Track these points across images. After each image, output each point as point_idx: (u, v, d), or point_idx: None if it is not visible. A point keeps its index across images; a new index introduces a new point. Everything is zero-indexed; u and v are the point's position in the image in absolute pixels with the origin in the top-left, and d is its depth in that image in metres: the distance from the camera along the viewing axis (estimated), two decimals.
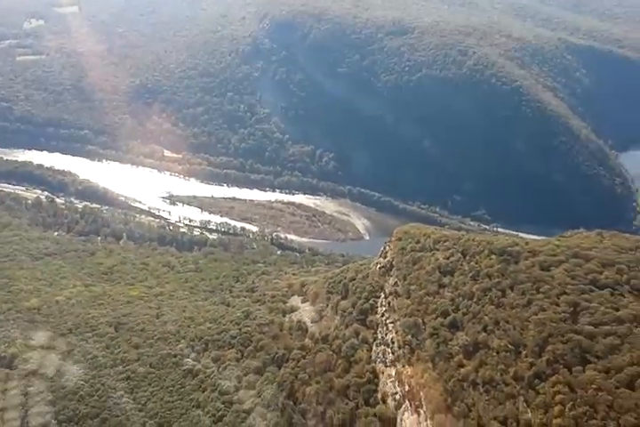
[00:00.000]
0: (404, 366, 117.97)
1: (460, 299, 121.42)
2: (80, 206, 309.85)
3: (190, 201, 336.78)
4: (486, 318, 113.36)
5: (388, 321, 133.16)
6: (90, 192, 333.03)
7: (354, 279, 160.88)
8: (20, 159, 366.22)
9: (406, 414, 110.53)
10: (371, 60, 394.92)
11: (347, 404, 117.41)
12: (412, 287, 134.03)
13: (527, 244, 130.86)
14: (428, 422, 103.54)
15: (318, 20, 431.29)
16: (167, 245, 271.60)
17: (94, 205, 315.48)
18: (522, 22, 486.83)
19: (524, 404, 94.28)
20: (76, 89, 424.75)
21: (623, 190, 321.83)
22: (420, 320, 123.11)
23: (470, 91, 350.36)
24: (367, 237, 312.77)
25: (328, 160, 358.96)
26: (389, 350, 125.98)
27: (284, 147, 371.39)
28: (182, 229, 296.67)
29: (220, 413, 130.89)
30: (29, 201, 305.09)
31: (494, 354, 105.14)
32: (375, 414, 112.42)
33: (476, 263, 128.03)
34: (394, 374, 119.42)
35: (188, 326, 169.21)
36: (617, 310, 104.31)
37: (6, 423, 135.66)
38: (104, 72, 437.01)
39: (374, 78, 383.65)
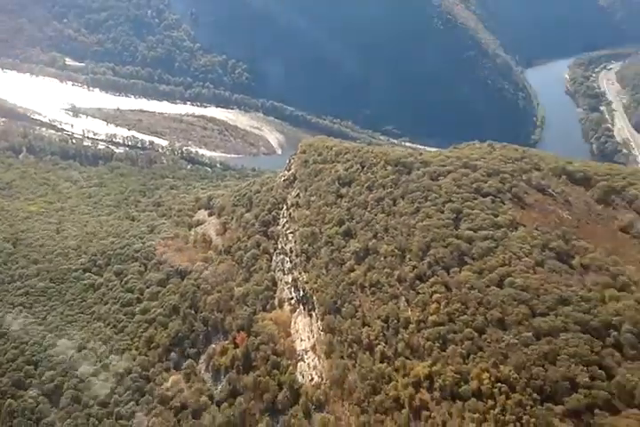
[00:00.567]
0: (300, 273, 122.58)
1: (355, 208, 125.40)
2: None
3: (95, 113, 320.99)
4: (377, 225, 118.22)
5: (288, 231, 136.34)
6: None
7: (258, 192, 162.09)
8: None
9: (300, 317, 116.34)
10: None
11: (245, 310, 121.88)
12: (312, 198, 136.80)
13: (421, 155, 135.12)
14: (319, 323, 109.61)
15: None
16: (70, 160, 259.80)
17: None
18: None
19: (406, 303, 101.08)
20: None
21: (526, 105, 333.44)
22: (318, 229, 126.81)
23: (383, 0, 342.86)
24: (280, 152, 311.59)
25: (241, 72, 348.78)
26: (288, 258, 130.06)
27: (195, 56, 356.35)
28: (86, 143, 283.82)
29: (121, 324, 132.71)
30: None
31: (382, 259, 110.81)
32: (271, 319, 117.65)
33: (372, 174, 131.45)
34: (290, 280, 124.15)
35: (90, 241, 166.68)
36: (496, 216, 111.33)
37: None
38: None
39: None
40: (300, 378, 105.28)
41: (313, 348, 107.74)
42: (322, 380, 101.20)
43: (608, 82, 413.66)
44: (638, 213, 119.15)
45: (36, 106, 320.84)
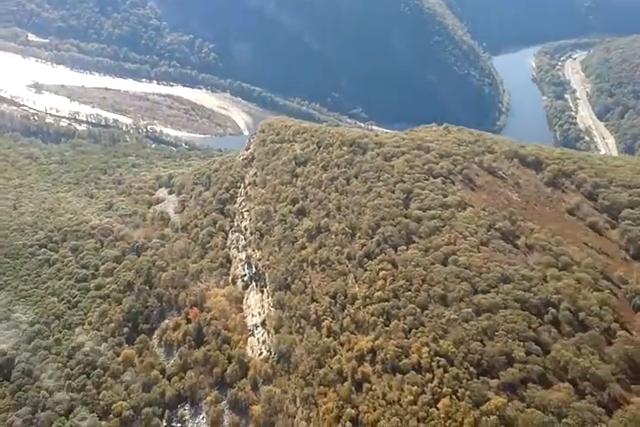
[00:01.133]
0: (253, 251, 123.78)
1: (310, 187, 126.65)
2: None
3: (58, 90, 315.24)
4: (330, 204, 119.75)
5: (244, 210, 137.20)
6: None
7: (217, 171, 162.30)
8: None
9: (252, 293, 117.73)
10: None
11: (198, 286, 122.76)
12: (268, 177, 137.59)
13: (376, 136, 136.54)
14: (270, 299, 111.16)
15: None
16: (32, 137, 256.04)
17: None
18: None
19: (354, 280, 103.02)
20: None
21: (491, 91, 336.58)
22: (272, 208, 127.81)
23: None
24: (247, 133, 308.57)
25: (208, 51, 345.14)
26: (242, 236, 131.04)
27: (162, 35, 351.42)
28: (48, 120, 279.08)
29: (75, 299, 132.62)
30: None
31: (333, 237, 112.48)
32: (224, 295, 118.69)
33: (328, 154, 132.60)
34: (244, 257, 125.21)
35: (47, 218, 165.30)
36: (445, 196, 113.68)
37: None
38: None
39: None
40: (249, 352, 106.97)
41: (263, 323, 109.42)
42: (270, 354, 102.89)
43: (573, 71, 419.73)
44: (586, 196, 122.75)
45: None
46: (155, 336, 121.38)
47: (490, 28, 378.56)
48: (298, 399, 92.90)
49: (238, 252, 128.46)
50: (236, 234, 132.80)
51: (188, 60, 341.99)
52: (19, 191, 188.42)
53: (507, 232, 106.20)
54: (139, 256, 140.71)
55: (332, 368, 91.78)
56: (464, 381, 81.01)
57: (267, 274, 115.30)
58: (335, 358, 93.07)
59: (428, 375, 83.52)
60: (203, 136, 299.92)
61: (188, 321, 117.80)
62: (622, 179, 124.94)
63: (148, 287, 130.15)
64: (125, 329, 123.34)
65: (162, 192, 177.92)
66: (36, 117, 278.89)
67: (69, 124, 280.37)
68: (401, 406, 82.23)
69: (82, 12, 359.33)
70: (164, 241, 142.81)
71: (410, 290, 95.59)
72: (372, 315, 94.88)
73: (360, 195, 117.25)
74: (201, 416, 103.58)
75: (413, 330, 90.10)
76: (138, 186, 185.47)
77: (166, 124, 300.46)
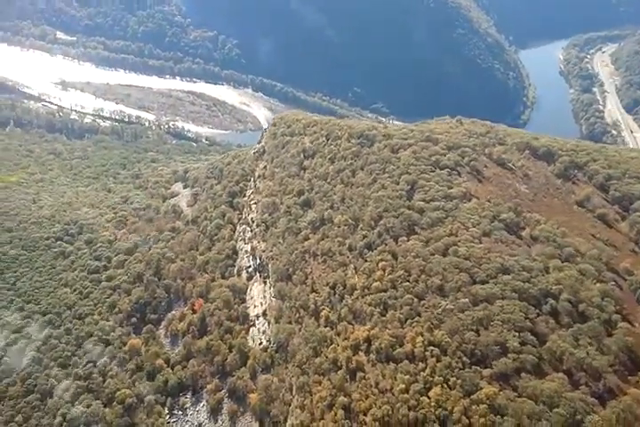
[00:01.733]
0: (258, 242, 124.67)
1: (316, 180, 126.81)
2: None
3: (84, 87, 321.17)
4: (335, 196, 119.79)
5: (252, 202, 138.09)
6: None
7: (230, 164, 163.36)
8: None
9: (255, 284, 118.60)
10: None
11: (204, 278, 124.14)
12: (277, 170, 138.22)
13: (385, 128, 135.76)
14: (271, 289, 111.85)
15: None
16: (56, 133, 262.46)
17: None
18: None
19: (353, 270, 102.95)
20: None
21: (516, 85, 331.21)
22: (279, 200, 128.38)
23: None
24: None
25: (231, 47, 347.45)
26: (249, 228, 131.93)
27: (186, 31, 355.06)
28: (73, 116, 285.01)
29: (87, 290, 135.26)
30: None
31: (336, 228, 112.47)
32: (228, 286, 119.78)
33: (336, 146, 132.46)
34: (249, 249, 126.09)
35: (65, 211, 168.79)
36: (450, 188, 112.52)
37: None
38: None
39: None
40: (250, 342, 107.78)
41: (264, 313, 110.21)
42: (269, 344, 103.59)
43: (602, 63, 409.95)
44: (597, 188, 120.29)
45: (26, 79, 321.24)
46: (161, 326, 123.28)
47: (517, 21, 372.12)
48: (294, 388, 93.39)
49: (244, 244, 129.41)
50: (244, 226, 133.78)
51: (211, 57, 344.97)
52: (40, 186, 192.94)
53: (511, 223, 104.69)
54: (150, 249, 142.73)
55: (327, 357, 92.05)
56: (456, 370, 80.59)
57: (270, 265, 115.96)
58: (331, 347, 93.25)
59: (421, 365, 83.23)
60: (224, 132, 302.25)
61: (194, 312, 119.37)
62: (636, 170, 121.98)
63: (156, 279, 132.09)
64: (133, 319, 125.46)
65: (177, 186, 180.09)
66: (60, 114, 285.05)
67: (93, 120, 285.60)
68: (393, 394, 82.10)
69: (108, 9, 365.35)
70: (174, 233, 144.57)
71: (408, 280, 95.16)
72: (370, 305, 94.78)
73: (365, 187, 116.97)
74: (201, 404, 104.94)
75: (409, 320, 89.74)
76: (154, 180, 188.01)
77: (188, 121, 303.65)
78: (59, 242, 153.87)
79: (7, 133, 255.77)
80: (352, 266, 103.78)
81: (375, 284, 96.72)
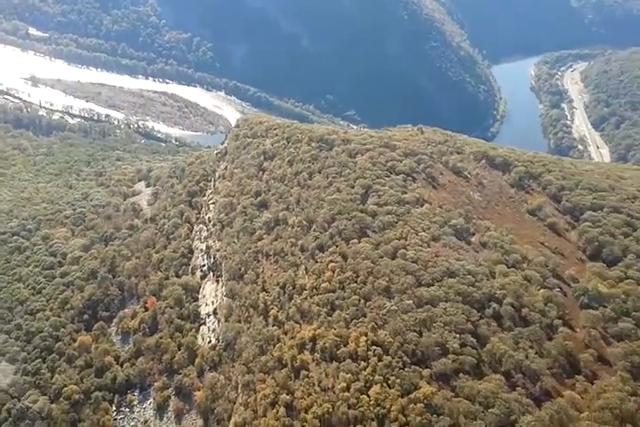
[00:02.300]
0: (214, 242, 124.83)
1: (273, 181, 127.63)
2: None
3: (54, 84, 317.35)
4: (291, 198, 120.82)
5: (210, 202, 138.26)
6: None
7: (192, 164, 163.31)
8: None
9: (208, 283, 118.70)
10: None
11: (158, 276, 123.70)
12: (236, 171, 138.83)
13: (345, 133, 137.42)
14: (223, 288, 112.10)
15: None
16: (22, 128, 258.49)
17: None
18: None
19: (304, 271, 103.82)
20: None
21: (487, 98, 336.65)
22: (236, 200, 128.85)
23: None
24: None
25: (205, 50, 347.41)
26: (205, 227, 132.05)
27: (160, 32, 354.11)
28: (41, 113, 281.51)
29: (40, 286, 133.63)
30: None
31: (289, 229, 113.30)
32: (181, 284, 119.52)
33: (295, 149, 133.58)
34: (205, 248, 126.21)
35: (24, 206, 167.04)
36: (404, 193, 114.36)
37: None
38: None
39: None
40: (200, 340, 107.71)
41: (215, 312, 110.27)
42: (218, 342, 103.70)
43: (572, 81, 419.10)
44: (550, 198, 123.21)
45: None
46: (113, 324, 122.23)
47: (492, 36, 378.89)
48: (239, 386, 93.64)
49: (200, 242, 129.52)
50: (201, 225, 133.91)
51: (184, 59, 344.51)
52: (0, 180, 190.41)
53: (461, 229, 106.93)
54: (106, 246, 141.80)
55: (273, 356, 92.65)
56: (396, 369, 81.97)
57: (223, 264, 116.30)
58: (277, 346, 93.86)
59: (363, 364, 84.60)
60: (194, 133, 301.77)
61: (146, 309, 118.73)
62: (589, 182, 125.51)
63: (111, 276, 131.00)
64: (85, 316, 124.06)
65: (140, 185, 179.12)
66: (28, 110, 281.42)
67: (61, 117, 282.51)
68: (334, 392, 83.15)
69: (82, 7, 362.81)
70: (132, 231, 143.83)
71: (356, 282, 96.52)
72: (318, 305, 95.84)
73: (320, 189, 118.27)
74: (148, 402, 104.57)
75: (354, 320, 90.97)
76: (117, 178, 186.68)
77: (158, 121, 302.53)
78: (15, 237, 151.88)
79: None
80: (303, 266, 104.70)
81: (324, 284, 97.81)
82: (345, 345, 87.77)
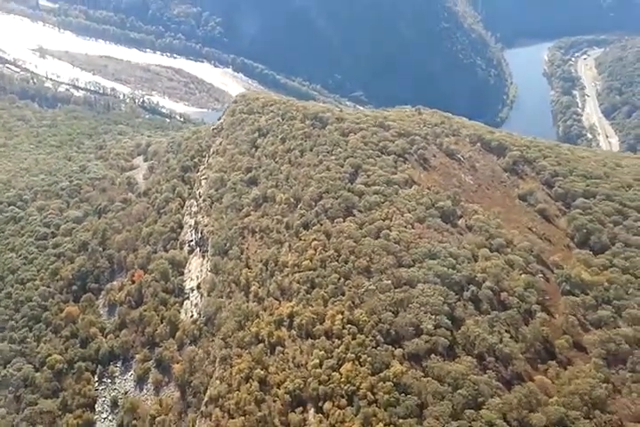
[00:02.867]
0: (202, 217, 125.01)
1: (264, 158, 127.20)
2: None
3: (62, 56, 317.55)
4: (281, 175, 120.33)
5: (202, 177, 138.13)
6: None
7: (188, 139, 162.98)
8: None
9: (195, 258, 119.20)
10: None
11: (146, 249, 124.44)
12: (229, 146, 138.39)
13: (341, 111, 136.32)
14: (208, 264, 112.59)
15: None
16: (28, 100, 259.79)
17: None
18: None
19: (288, 248, 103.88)
20: None
21: (497, 82, 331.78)
22: (227, 176, 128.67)
23: None
24: None
25: (214, 25, 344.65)
26: (196, 203, 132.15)
27: (169, 6, 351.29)
28: (47, 84, 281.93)
29: (32, 256, 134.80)
30: None
31: (276, 206, 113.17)
32: (167, 258, 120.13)
33: (289, 126, 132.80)
34: (193, 223, 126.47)
35: (22, 177, 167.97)
36: (394, 174, 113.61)
37: None
38: None
39: None
40: (183, 315, 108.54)
41: (198, 287, 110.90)
42: (199, 316, 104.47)
43: (586, 67, 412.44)
44: (543, 184, 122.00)
45: (2, 44, 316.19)
46: (101, 296, 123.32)
47: (506, 19, 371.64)
48: (217, 360, 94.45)
49: (190, 218, 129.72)
50: (192, 200, 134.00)
51: (193, 33, 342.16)
52: (1, 151, 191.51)
53: (447, 212, 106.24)
54: (99, 218, 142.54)
55: (250, 331, 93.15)
56: (369, 348, 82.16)
57: (209, 240, 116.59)
58: (255, 321, 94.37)
59: (337, 341, 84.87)
60: (199, 110, 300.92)
61: (133, 282, 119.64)
62: (584, 169, 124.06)
63: (101, 249, 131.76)
64: (74, 287, 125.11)
65: (138, 159, 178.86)
66: (35, 81, 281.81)
67: (67, 89, 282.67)
68: (307, 369, 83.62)
69: None
70: (125, 205, 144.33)
71: (337, 260, 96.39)
72: (298, 282, 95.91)
73: (310, 167, 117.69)
74: (129, 373, 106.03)
75: (332, 298, 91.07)
76: (116, 152, 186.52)
77: (164, 96, 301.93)
78: (11, 207, 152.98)
79: None
80: (287, 244, 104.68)
81: (305, 262, 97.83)
82: (321, 323, 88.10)
